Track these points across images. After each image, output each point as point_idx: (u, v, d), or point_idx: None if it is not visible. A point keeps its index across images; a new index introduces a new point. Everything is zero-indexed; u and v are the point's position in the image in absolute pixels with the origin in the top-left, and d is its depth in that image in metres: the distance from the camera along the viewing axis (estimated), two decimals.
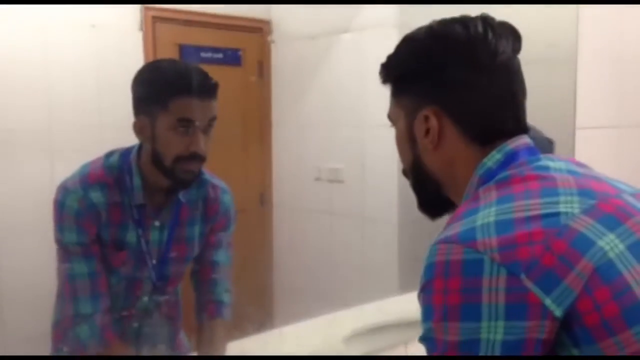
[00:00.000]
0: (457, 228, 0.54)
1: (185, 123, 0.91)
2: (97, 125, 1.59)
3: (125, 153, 0.98)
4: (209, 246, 1.05)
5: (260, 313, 1.29)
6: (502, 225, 0.53)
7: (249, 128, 1.90)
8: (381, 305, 1.49)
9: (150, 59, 1.92)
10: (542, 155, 0.62)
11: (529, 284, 0.50)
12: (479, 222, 0.53)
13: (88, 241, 0.94)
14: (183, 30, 1.98)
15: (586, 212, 0.54)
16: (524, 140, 0.63)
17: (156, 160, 0.94)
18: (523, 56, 2.16)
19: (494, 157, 0.61)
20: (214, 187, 1.04)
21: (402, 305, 1.55)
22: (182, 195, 1.00)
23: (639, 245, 0.54)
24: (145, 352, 1.00)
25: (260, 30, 2.19)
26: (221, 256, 1.06)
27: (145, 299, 1.00)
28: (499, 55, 0.64)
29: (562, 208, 0.54)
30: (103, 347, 0.93)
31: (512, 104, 0.65)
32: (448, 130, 0.62)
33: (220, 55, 2.10)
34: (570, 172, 0.59)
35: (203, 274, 1.06)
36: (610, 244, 0.53)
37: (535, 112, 2.27)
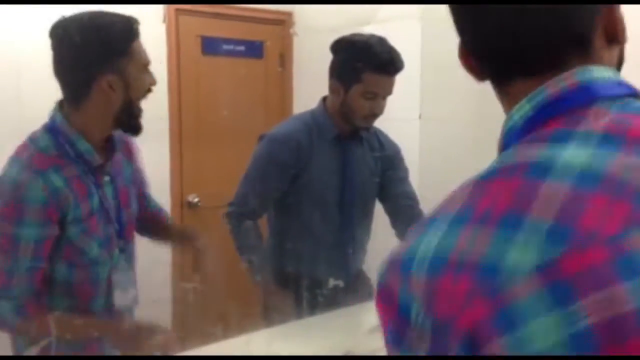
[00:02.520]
0: (406, 245, 0.42)
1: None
2: None
3: (51, 129, 0.96)
4: (141, 183, 1.10)
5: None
6: (435, 264, 0.40)
7: (271, 120, 1.90)
8: None
9: (173, 51, 1.93)
10: (585, 123, 0.41)
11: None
12: (422, 247, 0.41)
13: (48, 233, 0.93)
14: (206, 22, 1.98)
15: (539, 270, 0.37)
16: (577, 78, 0.42)
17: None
18: None
19: (523, 109, 0.43)
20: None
21: None
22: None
23: (584, 339, 0.36)
24: (116, 298, 1.01)
25: (282, 22, 2.19)
26: (146, 186, 1.13)
27: (116, 251, 1.00)
28: None
29: (510, 258, 0.38)
30: (23, 322, 0.94)
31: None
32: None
33: (242, 48, 2.10)
34: (582, 176, 0.40)
35: (140, 201, 1.10)
36: (543, 332, 0.36)
37: None
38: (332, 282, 1.26)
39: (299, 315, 1.22)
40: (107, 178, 0.99)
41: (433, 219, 0.42)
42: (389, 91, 1.31)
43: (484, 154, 1.62)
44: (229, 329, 1.00)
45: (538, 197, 0.39)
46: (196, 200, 1.96)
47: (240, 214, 1.32)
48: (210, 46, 1.99)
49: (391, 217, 1.40)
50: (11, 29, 1.57)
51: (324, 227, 1.29)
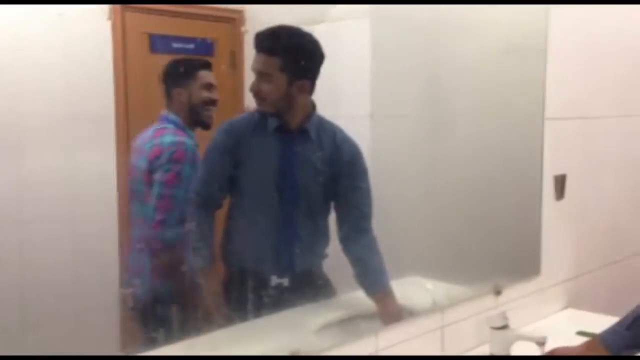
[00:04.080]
0: None
1: None
2: (65, 115, 1.56)
3: (172, 122, 1.50)
4: None
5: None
6: None
7: (221, 117, 1.88)
8: (352, 297, 1.49)
9: (119, 48, 1.89)
10: None
11: None
12: None
13: None
14: (153, 19, 1.94)
15: None
16: None
17: None
18: (497, 46, 2.18)
19: None
20: None
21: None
22: None
23: None
24: None
25: (233, 20, 2.17)
26: None
27: None
28: None
29: None
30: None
31: None
32: None
33: (192, 46, 2.06)
34: None
35: None
36: None
37: (508, 101, 2.29)
38: (275, 280, 1.26)
39: (243, 316, 1.21)
40: None
41: None
42: (256, 67, 1.46)
43: (434, 151, 1.67)
44: (171, 334, 0.98)
45: None
46: None
47: (193, 200, 1.36)
48: (158, 44, 1.95)
49: (337, 224, 1.41)
50: None
51: (264, 224, 1.31)
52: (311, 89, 1.44)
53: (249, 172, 1.37)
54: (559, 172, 2.14)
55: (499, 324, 1.73)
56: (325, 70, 1.75)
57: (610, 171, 2.38)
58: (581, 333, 1.97)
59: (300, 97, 1.41)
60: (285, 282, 1.31)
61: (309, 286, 1.40)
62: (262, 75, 1.36)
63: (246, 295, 1.27)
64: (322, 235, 1.45)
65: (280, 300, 1.27)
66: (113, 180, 1.98)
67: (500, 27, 1.95)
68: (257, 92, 1.37)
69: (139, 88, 2.02)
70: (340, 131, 1.52)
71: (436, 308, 1.72)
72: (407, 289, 1.68)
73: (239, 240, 1.33)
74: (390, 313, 1.50)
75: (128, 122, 1.95)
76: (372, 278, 1.48)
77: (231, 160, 1.38)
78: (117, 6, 1.93)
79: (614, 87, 2.35)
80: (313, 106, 1.50)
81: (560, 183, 2.14)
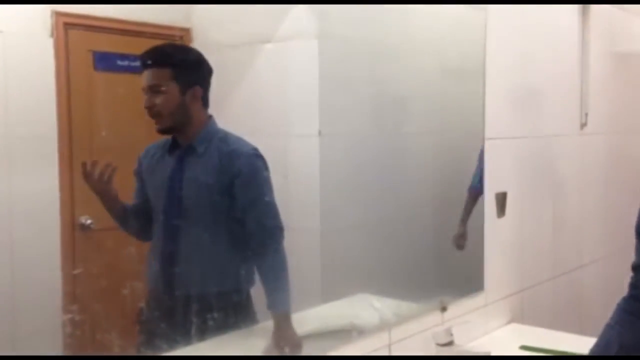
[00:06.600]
0: None
1: None
2: (5, 135, 1.52)
3: None
4: None
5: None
6: None
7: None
8: (302, 316, 1.49)
9: (62, 67, 1.84)
10: None
11: None
12: None
13: None
14: (98, 37, 1.91)
15: None
16: None
17: None
18: (438, 68, 2.24)
19: None
20: None
21: (322, 314, 1.56)
22: None
23: None
24: None
25: (180, 38, 2.15)
26: None
27: None
28: None
29: None
30: None
31: None
32: None
33: (137, 63, 2.04)
34: None
35: None
36: None
37: (449, 122, 2.35)
38: (166, 302, 1.23)
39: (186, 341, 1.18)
40: None
41: None
42: (147, 83, 1.47)
43: (381, 169, 1.70)
44: None
45: None
46: (89, 222, 1.88)
47: None
48: (102, 62, 1.92)
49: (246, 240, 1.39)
50: None
51: (155, 244, 1.31)
52: (204, 97, 1.43)
53: (149, 193, 1.37)
54: (500, 190, 2.20)
55: (445, 340, 1.76)
56: (272, 90, 1.77)
57: (550, 188, 2.47)
58: (525, 347, 2.02)
59: (194, 106, 1.40)
60: (180, 306, 1.24)
61: (226, 311, 1.31)
62: (153, 89, 1.37)
63: (161, 320, 1.23)
64: (224, 256, 1.38)
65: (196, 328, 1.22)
66: (56, 202, 1.93)
67: (440, 50, 2.01)
68: (151, 107, 1.36)
69: (83, 106, 1.97)
70: (237, 143, 1.46)
71: (384, 326, 1.73)
72: (356, 307, 1.69)
73: (148, 261, 1.33)
74: (284, 338, 1.36)
75: (71, 141, 1.91)
76: (270, 297, 1.40)
77: (140, 182, 1.38)
78: (60, 23, 1.88)
79: (549, 106, 2.45)
80: (207, 119, 1.48)
81: (501, 201, 2.20)
